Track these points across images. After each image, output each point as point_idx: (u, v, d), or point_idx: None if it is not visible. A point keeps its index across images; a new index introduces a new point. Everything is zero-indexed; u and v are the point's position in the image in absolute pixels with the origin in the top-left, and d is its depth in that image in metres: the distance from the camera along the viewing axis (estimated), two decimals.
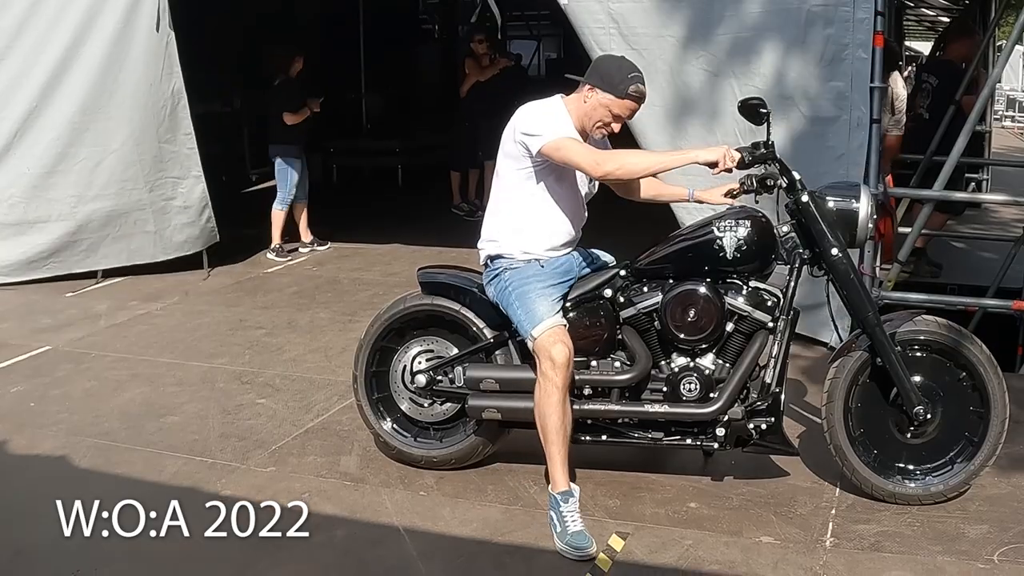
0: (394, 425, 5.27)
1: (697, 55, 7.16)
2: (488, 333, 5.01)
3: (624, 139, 7.21)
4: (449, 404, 5.14)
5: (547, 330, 4.58)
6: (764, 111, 4.56)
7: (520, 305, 4.67)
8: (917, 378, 4.68)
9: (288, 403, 6.35)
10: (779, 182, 4.70)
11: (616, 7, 7.27)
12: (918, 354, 4.74)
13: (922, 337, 4.72)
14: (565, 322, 4.66)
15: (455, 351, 5.10)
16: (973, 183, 13.52)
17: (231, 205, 12.13)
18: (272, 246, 10.73)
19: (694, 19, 7.14)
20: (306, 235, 11.07)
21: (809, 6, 6.78)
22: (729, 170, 4.49)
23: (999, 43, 14.26)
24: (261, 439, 5.78)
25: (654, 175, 4.83)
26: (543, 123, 4.62)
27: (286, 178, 10.69)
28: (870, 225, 4.74)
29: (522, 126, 4.66)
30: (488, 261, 4.91)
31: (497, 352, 5.03)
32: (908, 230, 7.56)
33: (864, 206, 4.70)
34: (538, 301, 4.67)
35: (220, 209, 9.97)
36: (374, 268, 10.17)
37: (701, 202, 5.11)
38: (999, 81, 8.97)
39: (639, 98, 4.64)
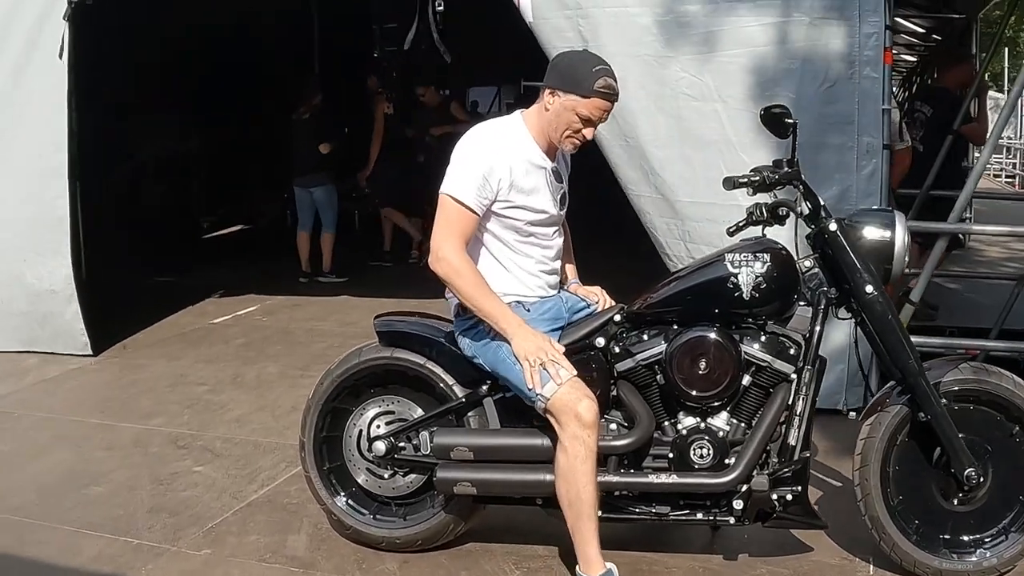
0: (349, 500, 4.53)
1: (678, 76, 6.43)
2: (458, 391, 4.29)
3: (595, 169, 6.62)
4: (414, 475, 4.41)
5: (563, 384, 3.86)
6: (790, 121, 3.92)
7: (516, 361, 3.94)
8: (964, 435, 4.01)
9: (229, 471, 5.67)
10: (800, 209, 4.06)
11: (585, 23, 6.56)
12: (964, 406, 4.07)
13: (970, 387, 4.05)
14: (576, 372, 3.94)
15: (419, 413, 4.37)
16: (968, 217, 12.99)
17: (179, 253, 12.31)
18: (325, 270, 11.34)
19: (675, 35, 6.41)
20: (307, 265, 11.45)
21: (810, 19, 6.10)
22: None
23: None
24: (196, 514, 5.09)
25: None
26: (456, 164, 4.00)
27: (332, 204, 11.35)
28: (906, 258, 4.07)
29: (457, 150, 4.04)
30: (460, 310, 4.18)
31: (470, 414, 4.29)
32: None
33: (900, 236, 4.03)
34: None
35: (166, 256, 9.76)
36: (330, 317, 9.55)
37: (573, 293, 4.49)
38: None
39: (610, 94, 3.95)
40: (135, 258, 11.36)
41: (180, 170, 13.99)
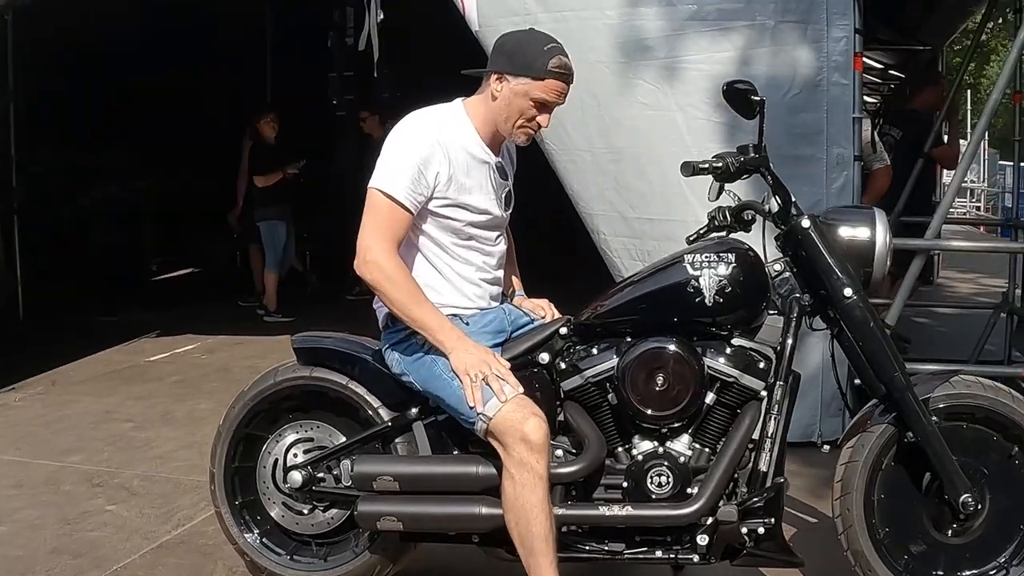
0: (264, 538, 3.99)
1: (634, 84, 6.01)
2: (384, 415, 3.79)
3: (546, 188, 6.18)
4: (335, 510, 3.88)
5: (507, 402, 3.39)
6: (756, 99, 3.49)
7: (455, 377, 3.47)
8: (956, 457, 3.52)
9: (144, 510, 5.19)
10: (768, 206, 3.61)
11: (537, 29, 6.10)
12: (956, 425, 3.60)
13: (963, 402, 3.58)
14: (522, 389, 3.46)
15: (342, 439, 3.86)
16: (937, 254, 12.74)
17: (126, 293, 12.02)
18: (269, 310, 10.85)
19: (630, 41, 5.99)
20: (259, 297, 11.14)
21: (775, 23, 5.71)
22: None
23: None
24: (101, 556, 4.62)
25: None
26: (387, 155, 3.52)
27: (271, 241, 10.82)
28: (888, 262, 3.62)
29: (390, 138, 3.56)
30: (390, 321, 3.70)
31: (397, 440, 3.79)
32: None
33: (881, 235, 3.58)
34: None
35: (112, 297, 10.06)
36: (271, 356, 8.89)
37: (517, 306, 4.01)
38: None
39: (566, 74, 3.52)
40: (80, 298, 11.11)
41: (130, 210, 13.61)
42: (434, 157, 3.47)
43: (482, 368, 3.41)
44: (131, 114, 12.28)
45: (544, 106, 3.53)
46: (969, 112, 29.87)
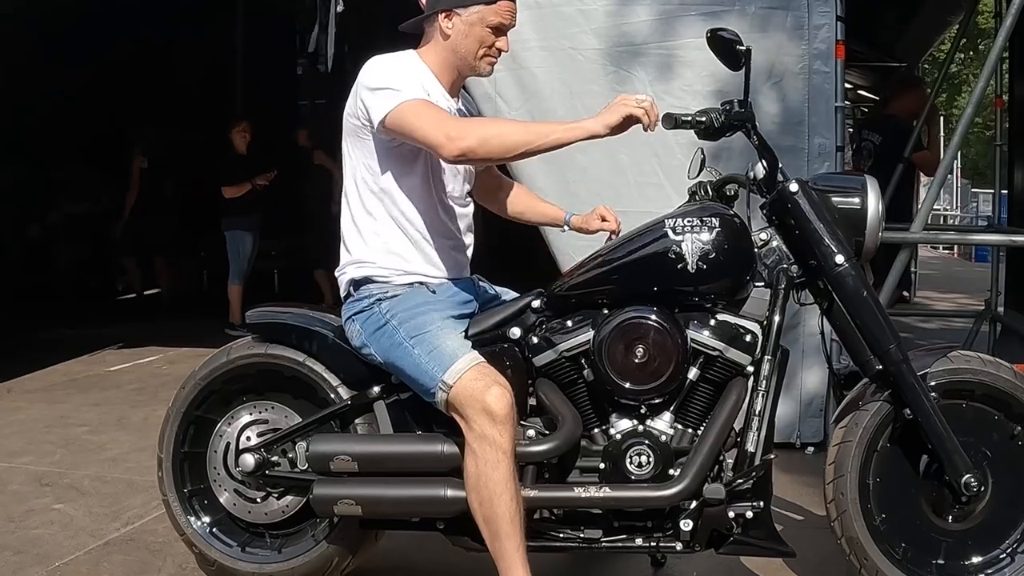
0: (214, 528, 3.69)
1: (607, 71, 5.79)
2: (344, 393, 3.53)
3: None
4: (290, 497, 3.60)
5: (468, 370, 3.17)
6: (741, 48, 3.29)
7: (416, 345, 3.26)
8: (958, 437, 3.29)
9: (93, 509, 4.94)
10: (753, 172, 3.40)
11: None
12: (955, 403, 3.37)
13: (962, 378, 3.35)
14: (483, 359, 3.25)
15: (299, 420, 3.59)
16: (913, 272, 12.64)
17: (90, 310, 11.79)
18: (230, 322, 10.20)
19: (604, 26, 5.79)
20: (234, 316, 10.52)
21: (755, 8, 5.54)
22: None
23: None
24: (44, 552, 4.37)
25: (533, 154, 3.36)
26: (382, 82, 3.27)
27: (236, 252, 10.50)
28: (880, 233, 3.40)
29: (367, 79, 3.30)
30: (351, 290, 3.47)
31: (357, 421, 3.52)
32: None
33: (873, 201, 3.37)
34: (442, 336, 3.27)
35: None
36: None
37: (579, 230, 3.91)
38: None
39: None
40: (43, 313, 11.05)
41: (97, 228, 13.39)
42: (416, 80, 3.32)
43: (628, 103, 3.18)
44: (100, 130, 12.15)
45: (499, 30, 3.37)
46: (942, 142, 29.96)
